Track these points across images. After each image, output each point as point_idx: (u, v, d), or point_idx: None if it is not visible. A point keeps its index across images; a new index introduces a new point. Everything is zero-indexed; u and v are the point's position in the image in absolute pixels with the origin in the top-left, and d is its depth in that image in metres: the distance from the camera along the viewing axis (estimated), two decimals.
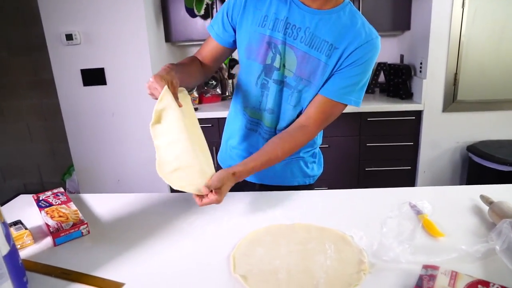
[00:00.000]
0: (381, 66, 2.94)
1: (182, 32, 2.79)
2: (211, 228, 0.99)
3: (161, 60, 2.72)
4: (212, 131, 2.62)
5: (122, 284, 0.77)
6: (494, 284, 0.67)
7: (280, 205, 1.09)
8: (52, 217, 0.98)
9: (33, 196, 1.14)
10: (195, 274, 0.80)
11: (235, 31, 1.16)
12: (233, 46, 1.19)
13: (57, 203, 1.07)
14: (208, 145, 1.06)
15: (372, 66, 1.09)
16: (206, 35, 1.23)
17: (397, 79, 2.76)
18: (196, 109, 2.70)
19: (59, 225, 0.95)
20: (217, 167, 1.37)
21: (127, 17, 2.41)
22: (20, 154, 3.45)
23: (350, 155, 2.71)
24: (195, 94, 2.93)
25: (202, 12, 2.62)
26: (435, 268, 0.72)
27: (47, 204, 1.06)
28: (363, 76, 1.08)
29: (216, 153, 1.40)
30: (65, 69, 2.55)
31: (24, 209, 1.11)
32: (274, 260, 0.82)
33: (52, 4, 2.42)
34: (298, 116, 1.16)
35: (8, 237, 0.69)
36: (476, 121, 2.61)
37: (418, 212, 1.00)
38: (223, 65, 2.98)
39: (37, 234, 0.97)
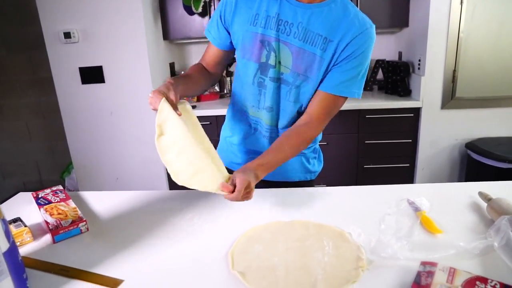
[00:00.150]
0: (379, 63, 2.94)
1: (180, 30, 2.78)
2: (210, 225, 0.99)
3: (159, 58, 2.72)
4: (211, 128, 2.62)
5: (121, 281, 0.77)
6: (492, 281, 0.67)
7: (278, 202, 1.09)
8: (51, 215, 0.98)
9: (32, 193, 1.14)
10: (194, 270, 0.80)
11: (229, 33, 1.16)
12: (232, 47, 1.20)
13: (56, 200, 1.07)
14: None
15: (370, 56, 1.09)
16: (204, 32, 1.23)
17: (396, 76, 2.76)
18: (194, 107, 2.69)
19: (58, 222, 0.95)
20: None
21: (125, 15, 2.40)
22: (19, 152, 3.45)
23: (348, 152, 2.71)
24: None
25: (200, 10, 2.61)
26: (433, 264, 0.73)
27: (46, 202, 1.06)
28: (362, 67, 1.08)
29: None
30: (64, 67, 2.55)
31: (24, 207, 1.11)
32: (273, 257, 0.82)
33: (50, 2, 2.42)
34: (298, 112, 1.17)
35: (7, 234, 0.69)
36: (475, 118, 2.61)
37: (416, 209, 1.00)
38: None
39: (37, 232, 0.98)
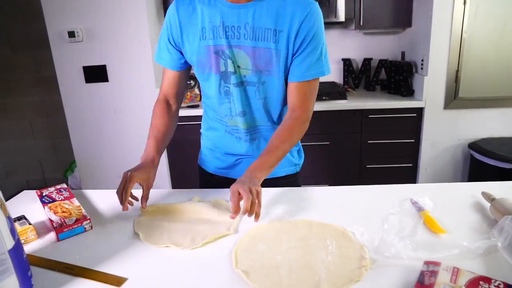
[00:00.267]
0: (382, 63, 2.93)
1: None
2: None
3: None
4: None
5: (125, 279, 0.78)
6: (496, 281, 0.67)
7: (281, 201, 1.09)
8: (55, 213, 0.99)
9: (36, 192, 1.15)
10: (198, 269, 0.80)
11: (182, 53, 1.17)
12: (188, 65, 1.22)
13: (60, 198, 1.08)
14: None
15: (323, 31, 1.11)
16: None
17: (399, 76, 2.76)
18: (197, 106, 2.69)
19: (62, 220, 0.95)
20: (198, 168, 1.39)
21: (129, 14, 2.41)
22: (23, 151, 3.46)
23: (351, 152, 2.71)
24: (197, 91, 2.92)
25: None
26: (436, 264, 0.72)
27: (51, 200, 1.07)
28: (320, 45, 1.10)
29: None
30: (67, 66, 2.56)
31: (28, 205, 1.12)
32: (276, 256, 0.82)
33: (55, 1, 2.43)
34: (269, 107, 1.19)
35: (13, 231, 0.70)
36: (478, 118, 2.60)
37: (420, 209, 1.00)
38: None
39: (41, 230, 0.98)
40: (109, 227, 1.00)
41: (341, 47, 3.05)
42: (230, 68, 1.12)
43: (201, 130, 1.38)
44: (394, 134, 2.66)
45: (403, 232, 0.87)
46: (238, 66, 1.12)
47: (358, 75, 3.03)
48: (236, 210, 0.93)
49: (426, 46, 2.54)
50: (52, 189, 1.15)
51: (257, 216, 0.94)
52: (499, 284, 0.66)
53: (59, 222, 0.95)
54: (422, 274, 0.71)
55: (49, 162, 3.50)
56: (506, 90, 2.53)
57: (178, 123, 1.31)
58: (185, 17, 1.12)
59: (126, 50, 2.49)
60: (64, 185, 1.18)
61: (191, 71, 1.27)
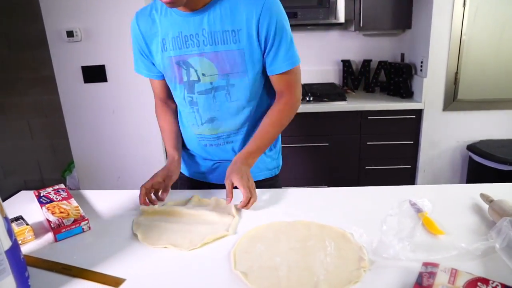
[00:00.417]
0: (381, 65, 2.94)
1: None
2: None
3: None
4: None
5: (123, 280, 0.77)
6: (494, 282, 0.67)
7: (280, 202, 1.09)
8: (53, 213, 0.99)
9: (34, 192, 1.14)
10: (196, 270, 0.80)
11: (153, 63, 1.19)
12: None
13: (58, 199, 1.07)
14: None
15: (285, 18, 1.10)
16: None
17: (398, 78, 2.76)
18: None
19: (60, 221, 0.95)
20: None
21: (128, 14, 2.38)
22: (21, 151, 3.45)
23: (350, 153, 2.71)
24: None
25: None
26: (435, 265, 0.72)
27: (48, 200, 1.06)
28: (287, 34, 1.10)
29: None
30: (66, 66, 2.55)
31: (25, 205, 1.11)
32: (275, 257, 0.82)
33: (53, 1, 2.42)
34: (239, 110, 1.19)
35: (9, 232, 0.69)
36: (477, 120, 2.61)
37: (418, 210, 1.00)
38: None
39: (38, 230, 0.98)
40: (108, 228, 1.00)
41: (340, 49, 3.06)
42: (193, 77, 1.12)
43: None
44: (393, 136, 2.66)
45: (402, 233, 0.87)
46: (203, 74, 1.11)
47: (357, 77, 3.03)
48: (230, 195, 1.04)
49: (425, 48, 2.54)
50: (50, 189, 1.14)
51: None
52: (497, 285, 0.66)
53: (57, 222, 0.94)
54: (420, 275, 0.70)
55: (47, 162, 3.49)
56: (505, 92, 2.53)
57: None
58: (146, 29, 1.13)
59: (125, 50, 2.48)
60: (62, 186, 1.17)
61: None
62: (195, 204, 1.09)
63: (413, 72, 2.75)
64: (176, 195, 1.16)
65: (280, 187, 1.34)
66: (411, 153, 2.71)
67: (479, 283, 0.67)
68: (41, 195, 1.11)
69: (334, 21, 2.62)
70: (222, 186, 1.17)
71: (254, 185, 1.07)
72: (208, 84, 1.13)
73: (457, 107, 2.58)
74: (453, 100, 2.56)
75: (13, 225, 0.94)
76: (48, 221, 0.97)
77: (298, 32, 2.93)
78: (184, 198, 1.14)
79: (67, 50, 2.51)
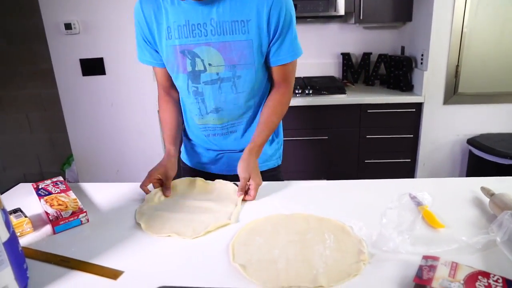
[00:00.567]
0: (381, 58, 2.92)
1: None
2: None
3: None
4: None
5: (121, 272, 0.77)
6: (494, 275, 0.67)
7: (279, 195, 1.09)
8: (51, 206, 0.98)
9: (32, 184, 1.14)
10: (194, 263, 0.80)
11: (157, 51, 1.17)
12: None
13: (57, 191, 1.07)
14: None
15: (293, 11, 1.11)
16: None
17: (398, 71, 2.75)
18: None
19: (58, 213, 0.94)
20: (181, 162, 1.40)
21: (126, 6, 2.38)
22: (20, 144, 3.44)
23: (349, 147, 2.71)
24: None
25: None
26: (435, 258, 0.72)
27: (47, 193, 1.06)
28: (292, 28, 1.12)
29: None
30: (64, 59, 2.54)
31: (24, 198, 1.11)
32: (273, 250, 0.82)
33: None
34: (244, 101, 1.20)
35: (7, 224, 0.69)
36: (477, 114, 2.60)
37: (418, 204, 0.99)
38: None
39: (37, 222, 0.97)
40: (106, 220, 0.99)
41: (340, 41, 3.04)
42: (199, 67, 1.11)
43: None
44: (392, 129, 2.65)
45: (402, 226, 0.87)
46: (210, 64, 1.10)
47: (357, 70, 3.02)
48: (243, 191, 1.06)
49: (426, 40, 2.52)
50: (48, 182, 1.14)
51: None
52: (498, 278, 0.66)
53: (55, 215, 0.94)
54: (420, 268, 0.70)
55: (47, 155, 3.48)
56: (506, 86, 2.52)
57: None
58: (150, 16, 1.11)
59: (124, 42, 2.47)
60: (61, 178, 1.17)
61: None
62: (200, 190, 1.13)
63: (414, 65, 2.74)
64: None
65: (282, 178, 1.35)
66: (411, 147, 2.70)
67: (479, 277, 0.66)
68: (40, 187, 1.10)
69: (334, 13, 2.60)
70: (225, 177, 1.18)
71: (261, 182, 1.11)
72: (214, 75, 1.12)
73: (458, 101, 2.57)
74: (453, 93, 2.55)
75: (12, 217, 0.93)
76: (47, 213, 0.96)
77: (297, 24, 2.88)
78: (188, 181, 1.16)
79: (65, 43, 2.49)
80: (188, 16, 1.06)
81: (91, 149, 2.75)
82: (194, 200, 1.05)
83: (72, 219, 0.95)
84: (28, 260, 0.76)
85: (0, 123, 3.36)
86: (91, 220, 0.98)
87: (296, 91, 2.57)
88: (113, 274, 0.77)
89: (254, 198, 1.06)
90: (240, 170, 1.08)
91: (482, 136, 2.59)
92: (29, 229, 0.94)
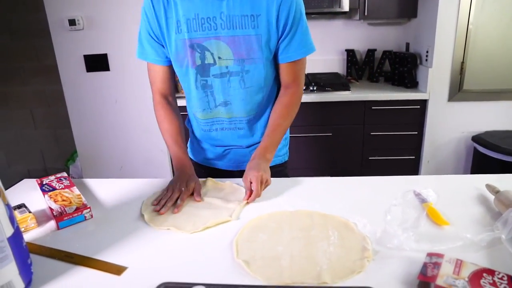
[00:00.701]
0: (386, 54, 2.91)
1: None
2: None
3: None
4: None
5: (125, 268, 0.77)
6: (499, 273, 0.66)
7: (283, 191, 1.09)
8: (55, 201, 0.98)
9: (36, 180, 1.14)
10: (198, 259, 0.80)
11: (164, 46, 1.15)
12: None
13: (61, 187, 1.07)
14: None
15: (303, 7, 1.11)
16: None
17: (403, 68, 2.73)
18: None
19: (62, 209, 0.95)
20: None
21: (130, 2, 2.38)
22: (24, 140, 3.46)
23: (353, 143, 2.70)
24: None
25: None
26: (439, 256, 0.72)
27: (51, 188, 1.06)
28: (303, 24, 1.11)
29: None
30: (68, 55, 2.54)
31: (28, 193, 1.11)
32: (277, 246, 0.82)
33: None
34: (251, 96, 1.19)
35: (12, 219, 0.69)
36: (482, 111, 2.58)
37: (423, 201, 0.99)
38: None
39: (41, 218, 0.98)
40: (110, 216, 0.99)
41: (344, 38, 3.02)
42: (209, 60, 1.11)
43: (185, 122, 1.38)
44: (397, 126, 2.64)
45: (406, 223, 0.87)
46: (219, 57, 1.10)
47: (361, 66, 3.01)
48: (249, 193, 1.03)
49: (431, 37, 2.50)
50: (52, 177, 1.14)
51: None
52: (503, 276, 0.66)
53: (59, 210, 0.94)
54: (425, 265, 0.70)
55: (51, 151, 3.50)
56: (511, 83, 2.50)
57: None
58: (159, 9, 1.10)
59: (128, 38, 2.47)
60: (65, 174, 1.17)
61: None
62: (209, 188, 1.12)
63: (418, 62, 2.72)
64: None
65: (288, 174, 1.35)
66: (415, 144, 2.69)
67: (484, 274, 0.66)
68: (44, 183, 1.10)
69: (338, 9, 2.58)
70: (232, 173, 1.17)
71: (270, 181, 1.09)
72: (224, 68, 1.12)
73: (463, 98, 2.55)
74: (458, 90, 2.54)
75: (16, 212, 0.94)
76: (51, 209, 0.96)
77: None
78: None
79: (69, 39, 2.49)
80: (197, 9, 1.06)
81: (95, 145, 2.76)
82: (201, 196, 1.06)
83: (76, 214, 0.95)
84: (32, 256, 0.77)
85: (5, 119, 3.38)
86: (95, 215, 0.98)
87: None
88: (117, 269, 0.77)
89: (257, 191, 1.02)
90: (244, 176, 1.07)
91: (487, 133, 2.57)
92: (33, 225, 0.94)
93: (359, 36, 3.02)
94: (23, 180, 1.24)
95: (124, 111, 2.65)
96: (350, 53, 2.99)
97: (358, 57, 3.02)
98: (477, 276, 0.66)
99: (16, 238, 0.69)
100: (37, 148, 3.49)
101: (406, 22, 2.94)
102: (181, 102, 1.31)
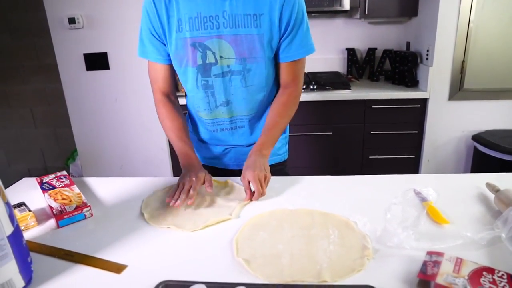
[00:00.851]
0: (386, 53, 2.90)
1: None
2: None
3: None
4: None
5: (125, 266, 0.77)
6: (499, 271, 0.66)
7: (283, 190, 1.09)
8: (55, 200, 0.98)
9: (36, 178, 1.14)
10: (198, 257, 0.80)
11: (165, 44, 1.14)
12: None
13: (61, 186, 1.07)
14: None
15: (305, 7, 1.11)
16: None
17: (403, 67, 2.73)
18: None
19: (62, 207, 0.95)
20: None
21: (131, 0, 2.38)
22: (24, 139, 3.46)
23: (354, 142, 2.70)
24: None
25: None
26: (439, 254, 0.72)
27: (51, 187, 1.06)
28: (304, 24, 1.11)
29: None
30: (68, 54, 2.54)
31: (28, 192, 1.11)
32: (277, 245, 0.82)
33: None
34: (252, 95, 1.19)
35: (11, 217, 0.69)
36: (482, 110, 2.57)
37: (423, 199, 0.99)
38: None
39: (41, 216, 0.98)
40: (110, 214, 0.99)
41: (345, 37, 3.02)
42: (210, 60, 1.10)
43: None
44: (397, 125, 2.64)
45: (406, 222, 0.87)
46: (221, 57, 1.10)
47: (362, 65, 3.00)
48: (249, 192, 1.03)
49: (432, 36, 2.50)
50: (52, 176, 1.14)
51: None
52: (503, 274, 0.66)
53: (59, 209, 0.94)
54: (424, 264, 0.70)
55: (51, 150, 3.50)
56: None
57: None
58: (161, 8, 1.09)
59: (128, 37, 2.47)
60: (65, 172, 1.17)
61: None
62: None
63: (419, 60, 2.72)
64: None
65: (288, 173, 1.35)
66: (415, 143, 2.69)
67: (484, 273, 0.66)
68: (44, 181, 1.10)
69: (339, 8, 2.58)
70: (233, 171, 1.17)
71: (269, 176, 1.08)
72: (225, 67, 1.12)
73: (463, 97, 2.54)
74: (458, 89, 2.53)
75: (16, 211, 0.94)
76: (51, 207, 0.97)
77: None
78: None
79: (69, 37, 2.49)
80: (200, 8, 1.06)
81: (95, 144, 2.75)
82: (200, 195, 1.05)
83: (76, 213, 0.95)
84: (32, 254, 0.77)
85: (5, 118, 3.38)
86: (95, 214, 0.99)
87: None
88: (117, 268, 0.77)
89: (259, 190, 1.01)
90: (242, 176, 1.07)
91: (487, 132, 2.57)
92: (33, 223, 0.94)
93: (360, 35, 3.01)
94: (23, 178, 1.24)
95: (124, 110, 2.65)
96: (351, 52, 2.99)
97: (358, 56, 3.02)
98: (477, 274, 0.66)
99: (16, 237, 0.69)
100: (37, 146, 3.49)
101: (407, 21, 2.94)
102: (181, 101, 1.31)
